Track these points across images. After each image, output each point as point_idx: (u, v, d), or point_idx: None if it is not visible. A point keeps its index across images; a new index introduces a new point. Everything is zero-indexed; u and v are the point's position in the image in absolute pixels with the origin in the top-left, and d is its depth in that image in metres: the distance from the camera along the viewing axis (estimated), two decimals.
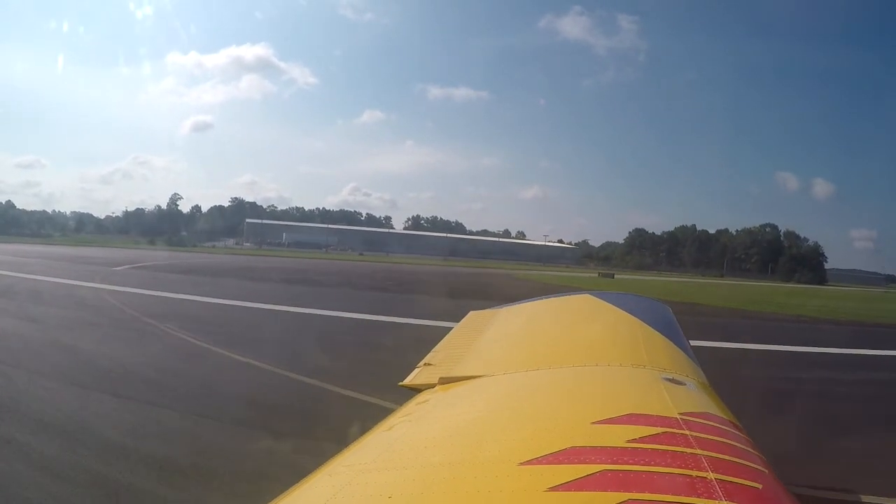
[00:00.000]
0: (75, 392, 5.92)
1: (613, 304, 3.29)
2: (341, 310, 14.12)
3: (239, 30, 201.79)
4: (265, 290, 19.58)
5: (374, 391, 6.03)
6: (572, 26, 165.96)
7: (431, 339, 2.91)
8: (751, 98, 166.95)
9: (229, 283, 21.87)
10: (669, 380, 1.67)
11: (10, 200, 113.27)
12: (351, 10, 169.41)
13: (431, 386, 1.99)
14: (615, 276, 58.18)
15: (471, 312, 3.63)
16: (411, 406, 1.78)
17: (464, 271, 47.58)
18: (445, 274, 40.13)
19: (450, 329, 3.18)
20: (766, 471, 1.07)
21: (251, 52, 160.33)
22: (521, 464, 1.07)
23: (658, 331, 2.52)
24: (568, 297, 3.95)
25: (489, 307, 3.76)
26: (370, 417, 5.14)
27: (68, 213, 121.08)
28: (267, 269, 32.96)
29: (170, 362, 7.53)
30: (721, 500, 0.89)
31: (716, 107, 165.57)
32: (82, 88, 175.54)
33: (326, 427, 5.06)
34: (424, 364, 2.38)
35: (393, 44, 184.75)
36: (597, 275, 58.61)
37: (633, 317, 2.84)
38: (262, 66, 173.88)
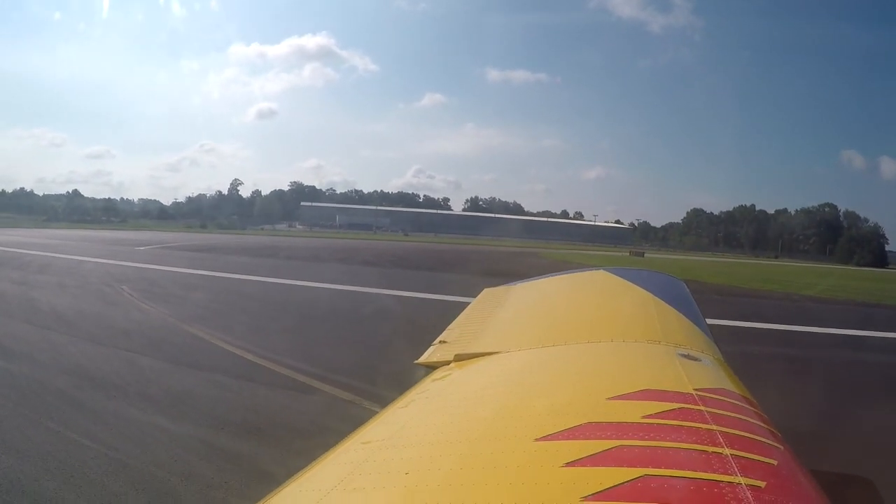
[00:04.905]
0: (2, 320, 8.72)
1: (628, 279, 3.29)
2: (281, 277, 16.68)
3: (300, 21, 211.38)
4: (244, 264, 21.63)
5: (217, 329, 8.44)
6: (625, 5, 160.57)
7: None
8: (815, 74, 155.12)
9: (227, 258, 24.73)
10: (685, 355, 1.68)
11: (76, 189, 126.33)
12: (406, 1, 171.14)
13: (447, 363, 2.02)
14: (645, 254, 59.19)
15: (485, 289, 3.65)
16: (427, 383, 1.80)
17: (479, 249, 48.62)
18: (442, 251, 41.29)
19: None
20: (782, 447, 1.08)
21: (312, 41, 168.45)
22: (538, 440, 1.08)
23: (673, 306, 2.54)
24: (582, 272, 4.02)
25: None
26: (188, 338, 7.44)
27: (136, 200, 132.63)
28: (277, 247, 35.48)
29: (93, 309, 10.25)
30: (737, 475, 0.89)
31: (778, 84, 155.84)
32: (150, 80, 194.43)
33: (153, 346, 7.42)
34: (440, 342, 2.42)
35: (449, 30, 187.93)
36: (628, 253, 59.04)
37: (647, 292, 2.84)
38: (324, 55, 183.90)
